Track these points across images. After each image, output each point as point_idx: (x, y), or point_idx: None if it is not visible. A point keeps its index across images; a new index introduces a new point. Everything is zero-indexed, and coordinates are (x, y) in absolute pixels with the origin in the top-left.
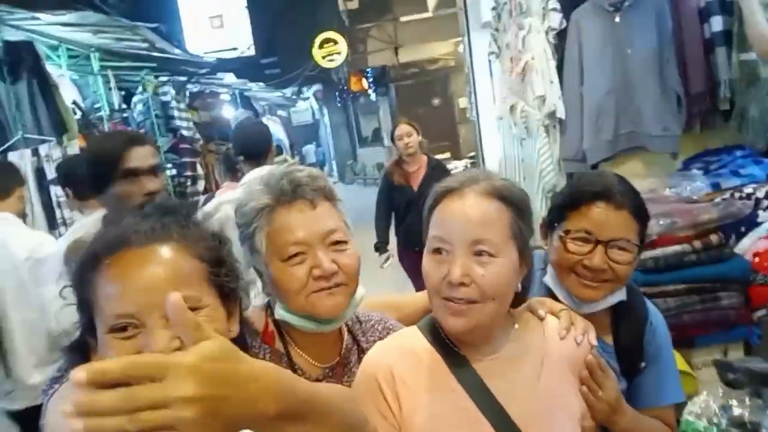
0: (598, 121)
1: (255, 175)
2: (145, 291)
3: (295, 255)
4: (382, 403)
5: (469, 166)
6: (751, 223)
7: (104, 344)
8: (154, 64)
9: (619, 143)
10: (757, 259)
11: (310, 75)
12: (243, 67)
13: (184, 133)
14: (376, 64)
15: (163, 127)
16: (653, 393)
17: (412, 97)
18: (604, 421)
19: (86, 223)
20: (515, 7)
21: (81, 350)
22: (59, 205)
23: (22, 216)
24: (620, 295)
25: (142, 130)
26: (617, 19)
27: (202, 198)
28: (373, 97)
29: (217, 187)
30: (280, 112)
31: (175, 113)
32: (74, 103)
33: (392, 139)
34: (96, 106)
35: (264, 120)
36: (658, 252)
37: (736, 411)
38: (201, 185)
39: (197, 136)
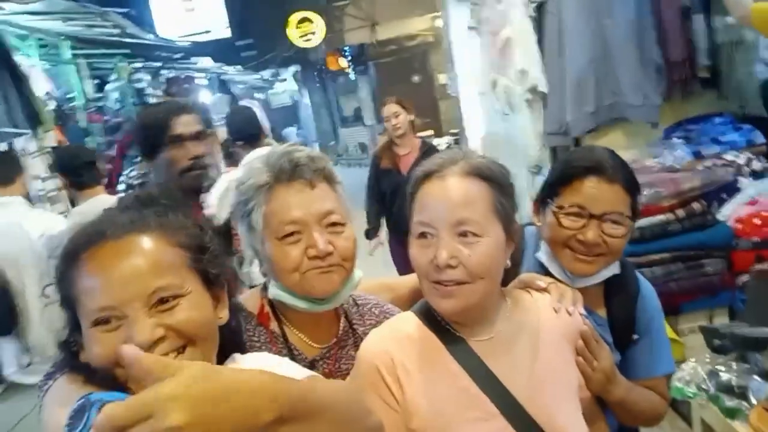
0: (580, 93)
1: (256, 155)
2: (124, 282)
3: (291, 234)
4: (384, 391)
5: (452, 143)
6: (732, 189)
7: (89, 338)
8: (127, 51)
9: (602, 115)
10: (739, 225)
11: (287, 56)
12: (218, 51)
13: None
14: (354, 42)
15: None
16: (646, 364)
17: (391, 74)
18: (599, 392)
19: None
20: None
21: (69, 348)
22: (40, 199)
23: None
24: (614, 269)
25: (119, 119)
26: None
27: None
28: (352, 76)
29: None
30: (257, 95)
31: (152, 100)
32: (47, 93)
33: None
34: (69, 96)
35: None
36: (643, 222)
37: (724, 376)
38: None
39: None
